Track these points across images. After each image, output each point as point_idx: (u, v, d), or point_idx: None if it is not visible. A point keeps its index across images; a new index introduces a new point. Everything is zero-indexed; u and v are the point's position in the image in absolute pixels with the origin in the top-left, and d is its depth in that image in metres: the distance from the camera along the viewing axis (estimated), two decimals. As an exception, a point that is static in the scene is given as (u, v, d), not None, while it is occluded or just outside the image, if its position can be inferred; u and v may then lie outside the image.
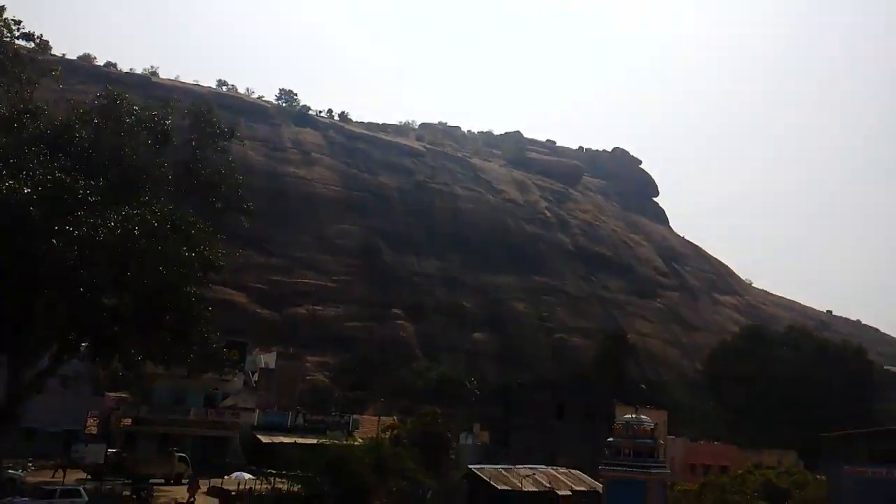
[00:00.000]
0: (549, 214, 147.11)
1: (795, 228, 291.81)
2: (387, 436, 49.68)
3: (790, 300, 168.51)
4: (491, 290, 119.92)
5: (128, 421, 48.32)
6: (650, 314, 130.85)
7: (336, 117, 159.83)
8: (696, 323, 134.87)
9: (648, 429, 39.29)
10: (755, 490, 50.62)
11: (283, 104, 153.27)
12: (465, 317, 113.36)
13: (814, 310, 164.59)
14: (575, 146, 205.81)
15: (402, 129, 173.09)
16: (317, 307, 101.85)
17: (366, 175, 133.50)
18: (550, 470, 49.13)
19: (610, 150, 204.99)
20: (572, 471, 50.30)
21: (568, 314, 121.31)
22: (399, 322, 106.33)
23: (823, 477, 53.92)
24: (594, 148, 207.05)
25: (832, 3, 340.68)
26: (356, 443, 44.65)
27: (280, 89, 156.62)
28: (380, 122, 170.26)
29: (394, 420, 59.11)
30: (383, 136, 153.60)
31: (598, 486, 47.65)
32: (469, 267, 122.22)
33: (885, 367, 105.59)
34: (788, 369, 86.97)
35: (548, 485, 46.14)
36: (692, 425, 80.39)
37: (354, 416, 59.18)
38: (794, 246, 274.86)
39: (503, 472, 46.42)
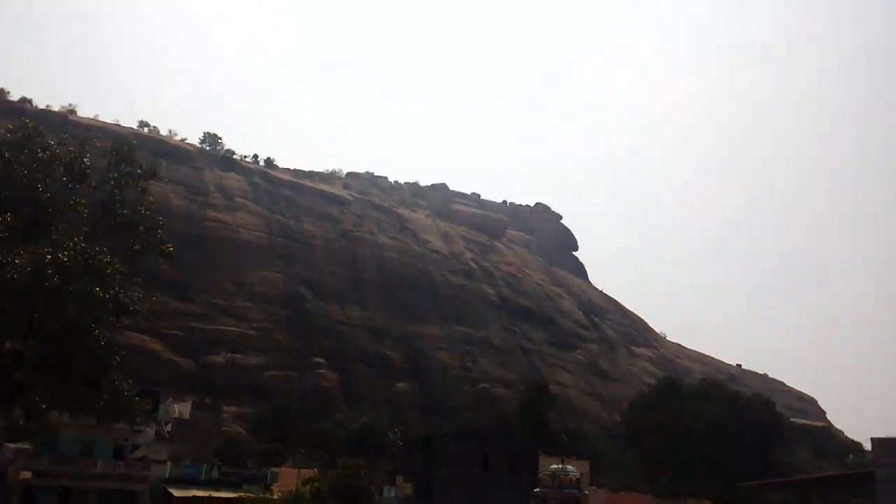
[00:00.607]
0: (473, 266, 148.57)
1: (706, 285, 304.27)
2: (307, 489, 48.29)
3: (702, 353, 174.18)
4: (415, 339, 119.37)
5: (27, 474, 45.09)
6: (570, 365, 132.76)
7: (262, 163, 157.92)
8: (614, 374, 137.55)
9: (574, 479, 39.85)
10: (673, 540, 51.45)
11: (207, 147, 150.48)
12: (389, 366, 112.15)
13: (724, 363, 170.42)
14: (499, 199, 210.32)
15: (329, 177, 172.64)
16: (235, 355, 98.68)
17: (291, 222, 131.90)
18: (474, 523, 48.51)
19: (532, 204, 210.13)
20: (496, 523, 49.83)
21: (491, 364, 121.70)
22: (321, 371, 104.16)
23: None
24: (517, 202, 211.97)
25: (739, 66, 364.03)
26: (275, 497, 43.21)
27: (204, 132, 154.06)
28: (306, 169, 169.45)
29: (314, 473, 57.56)
30: (309, 184, 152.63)
31: (522, 539, 47.48)
32: (393, 316, 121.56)
33: (792, 420, 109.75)
34: (702, 421, 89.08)
35: (471, 538, 45.50)
36: (612, 475, 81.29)
37: (273, 469, 57.09)
38: (705, 301, 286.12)
39: (426, 525, 45.58)
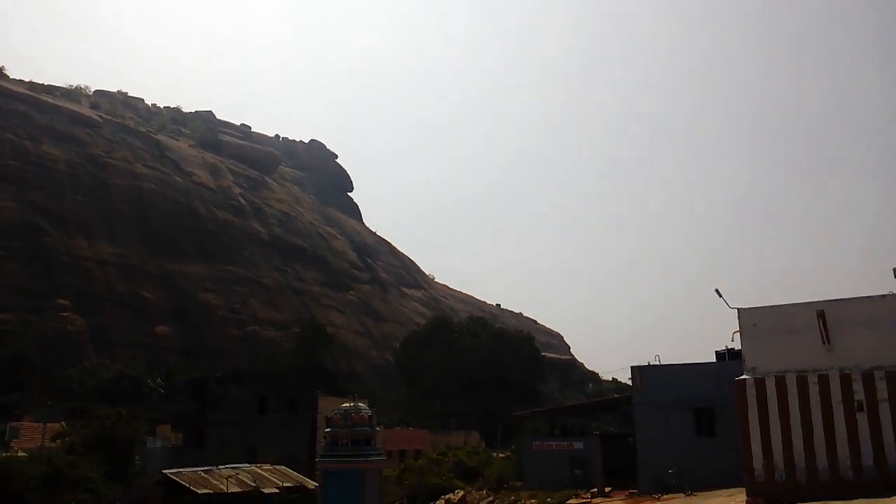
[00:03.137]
0: (243, 202, 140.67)
1: (471, 228, 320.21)
2: (58, 444, 42.18)
3: (466, 294, 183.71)
4: (176, 279, 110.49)
5: None
6: (343, 306, 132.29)
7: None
8: (386, 315, 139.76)
9: (366, 416, 38.67)
10: (450, 470, 53.25)
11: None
12: (147, 308, 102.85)
13: (486, 303, 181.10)
14: (271, 133, 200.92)
15: (73, 93, 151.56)
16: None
17: (26, 142, 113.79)
18: (255, 468, 45.91)
19: (307, 141, 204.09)
20: (278, 467, 47.70)
21: (261, 306, 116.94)
22: (65, 314, 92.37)
23: (502, 453, 59.08)
24: (291, 137, 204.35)
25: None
26: (18, 454, 36.86)
27: None
28: (44, 83, 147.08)
29: (61, 426, 50.97)
30: (48, 100, 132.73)
31: (306, 482, 45.96)
32: (151, 254, 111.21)
33: (544, 354, 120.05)
34: (469, 356, 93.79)
35: (253, 483, 43.00)
36: (385, 412, 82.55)
37: (11, 424, 49.16)
38: (469, 244, 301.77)
39: (203, 474, 42.03)
